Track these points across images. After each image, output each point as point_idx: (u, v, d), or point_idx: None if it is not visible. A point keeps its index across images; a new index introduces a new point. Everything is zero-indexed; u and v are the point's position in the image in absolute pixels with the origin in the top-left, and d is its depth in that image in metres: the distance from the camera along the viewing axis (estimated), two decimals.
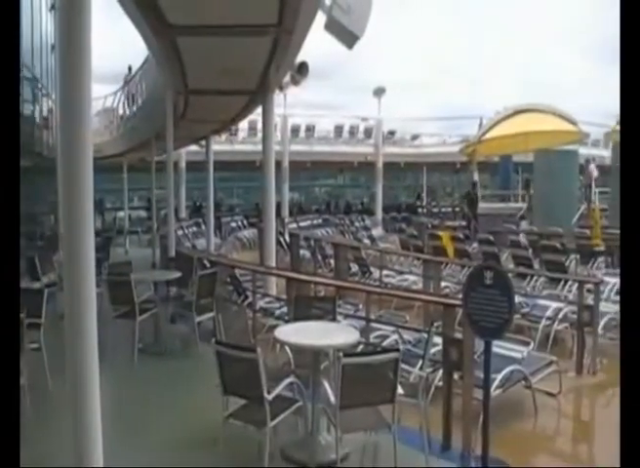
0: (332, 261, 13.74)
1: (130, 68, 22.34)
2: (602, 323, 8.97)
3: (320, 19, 7.80)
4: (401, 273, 13.22)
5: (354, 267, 13.73)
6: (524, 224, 22.49)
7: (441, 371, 6.30)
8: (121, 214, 32.76)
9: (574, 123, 28.27)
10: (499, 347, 6.79)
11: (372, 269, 13.40)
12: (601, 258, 15.56)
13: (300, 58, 19.66)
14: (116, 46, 35.74)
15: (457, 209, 26.76)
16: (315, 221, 25.59)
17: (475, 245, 16.22)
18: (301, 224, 23.59)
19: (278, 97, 24.47)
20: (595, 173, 23.86)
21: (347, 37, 7.79)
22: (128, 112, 21.93)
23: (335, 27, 7.60)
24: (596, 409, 8.18)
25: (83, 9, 3.68)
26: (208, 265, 10.71)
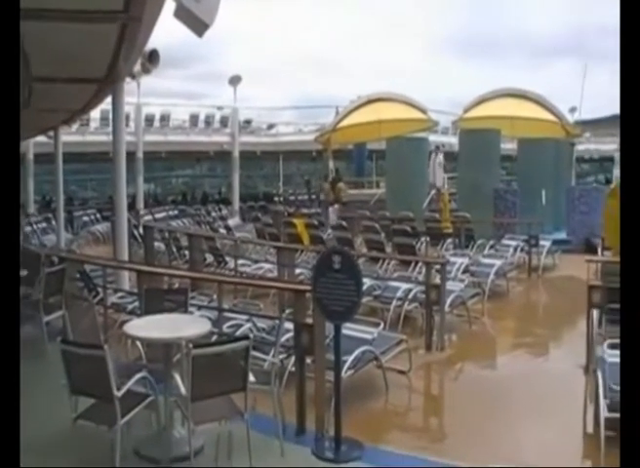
0: (187, 253, 13.55)
1: None
2: (449, 301, 9.40)
3: (171, 6, 7.62)
4: (256, 262, 13.24)
5: (210, 258, 13.63)
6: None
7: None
8: None
9: (424, 111, 29.36)
10: (349, 329, 6.96)
11: (227, 259, 13.36)
12: (449, 240, 16.31)
13: (154, 46, 19.23)
14: None
15: (313, 196, 27.11)
16: (171, 213, 25.11)
17: (330, 231, 16.52)
18: (157, 216, 23.07)
19: (130, 85, 23.79)
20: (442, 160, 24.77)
21: (197, 25, 7.65)
22: None
23: (184, 15, 7.44)
24: (445, 382, 8.55)
25: None
26: (56, 262, 10.27)
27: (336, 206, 23.97)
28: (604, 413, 5.69)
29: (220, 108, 36.14)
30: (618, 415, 5.79)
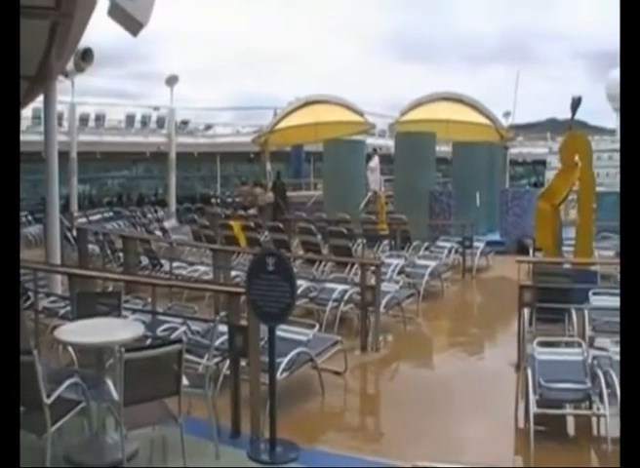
0: (122, 255, 13.35)
1: None
2: (384, 302, 9.50)
3: (106, 4, 7.50)
4: (192, 264, 13.13)
5: (145, 260, 13.46)
6: None
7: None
8: None
9: (361, 114, 29.60)
10: (285, 331, 6.98)
11: (163, 261, 13.21)
12: (385, 242, 16.47)
13: (89, 44, 18.84)
14: None
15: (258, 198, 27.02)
16: (106, 215, 24.62)
17: (267, 233, 16.50)
18: (92, 218, 22.62)
19: (65, 84, 23.29)
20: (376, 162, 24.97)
21: (132, 24, 7.55)
22: None
23: (118, 14, 7.34)
24: (381, 382, 8.64)
25: None
26: None
27: (250, 211, 23.88)
28: (533, 409, 5.87)
29: (156, 109, 35.76)
30: (547, 411, 6.02)
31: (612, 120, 73.56)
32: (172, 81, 30.11)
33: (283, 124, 29.12)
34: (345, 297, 9.78)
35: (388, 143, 31.37)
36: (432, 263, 12.67)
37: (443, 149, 27.02)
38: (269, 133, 29.07)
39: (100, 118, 34.11)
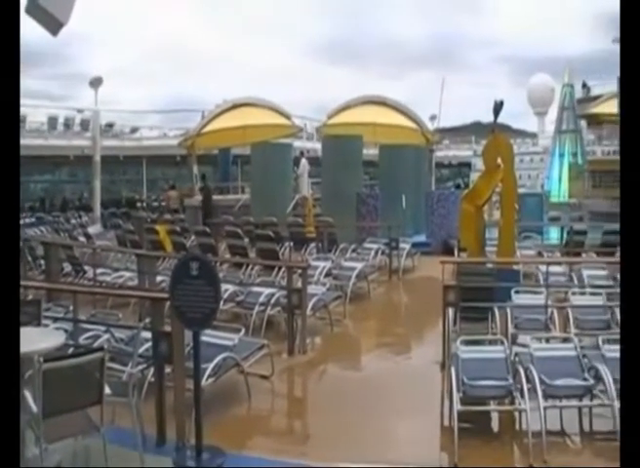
0: (43, 262, 12.99)
1: None
2: (310, 304, 9.52)
3: (23, 1, 7.26)
4: (117, 270, 12.89)
5: (68, 267, 13.14)
6: None
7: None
8: None
9: (288, 117, 29.65)
10: (210, 336, 6.93)
11: (86, 268, 12.92)
12: (313, 244, 16.53)
13: None
14: None
15: (179, 202, 26.72)
16: (28, 220, 24.00)
17: (193, 237, 16.34)
18: None
19: None
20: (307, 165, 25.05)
21: (51, 23, 7.32)
22: None
23: (36, 12, 7.10)
24: (308, 385, 8.65)
25: None
26: None
27: (177, 215, 23.66)
28: (457, 407, 5.98)
29: (80, 111, 35.00)
30: (470, 408, 6.14)
31: (533, 123, 76.06)
32: (96, 82, 29.57)
33: (210, 127, 28.91)
34: (272, 301, 9.77)
35: (316, 146, 31.54)
36: (359, 265, 12.77)
37: (370, 152, 27.30)
38: (196, 136, 28.82)
39: (21, 120, 33.13)
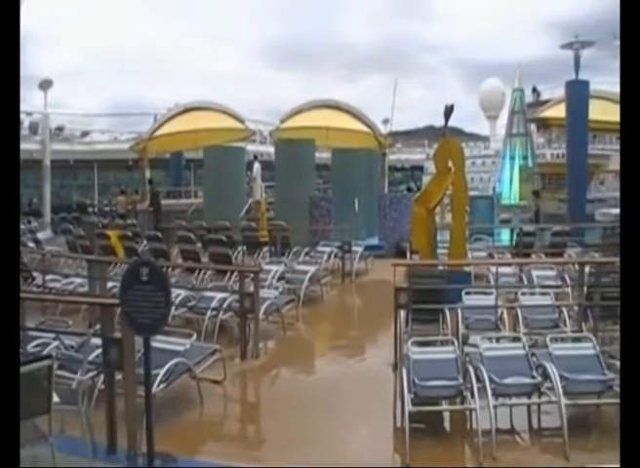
0: None
1: None
2: (263, 308, 9.51)
3: None
4: (67, 276, 12.68)
5: None
6: None
7: None
8: None
9: (241, 121, 29.57)
10: (161, 342, 6.88)
11: (35, 274, 12.68)
12: (266, 248, 16.50)
13: None
14: None
15: (129, 207, 26.41)
16: None
17: (145, 242, 16.17)
18: None
19: None
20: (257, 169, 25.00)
21: None
22: None
23: None
24: (261, 389, 8.63)
25: None
26: None
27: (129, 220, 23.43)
28: (408, 407, 6.04)
29: (29, 114, 34.29)
30: (421, 408, 6.21)
31: (485, 127, 77.11)
32: (46, 85, 29.04)
33: (162, 130, 28.69)
34: (225, 305, 9.73)
35: (269, 150, 31.49)
36: (312, 268, 12.79)
37: (323, 156, 27.38)
38: (148, 139, 28.57)
39: None
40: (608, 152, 48.10)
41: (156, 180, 30.34)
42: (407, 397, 6.13)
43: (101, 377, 6.30)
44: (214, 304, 9.76)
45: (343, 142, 25.72)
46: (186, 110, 29.01)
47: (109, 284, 10.86)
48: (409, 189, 36.19)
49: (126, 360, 5.79)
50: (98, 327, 6.64)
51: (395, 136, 46.18)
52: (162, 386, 6.49)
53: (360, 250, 15.99)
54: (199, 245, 14.97)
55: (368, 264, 16.27)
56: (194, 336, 7.57)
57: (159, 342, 6.74)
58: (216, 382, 7.67)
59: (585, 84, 22.76)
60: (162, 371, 6.49)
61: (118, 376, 5.99)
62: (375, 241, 19.18)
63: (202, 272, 12.76)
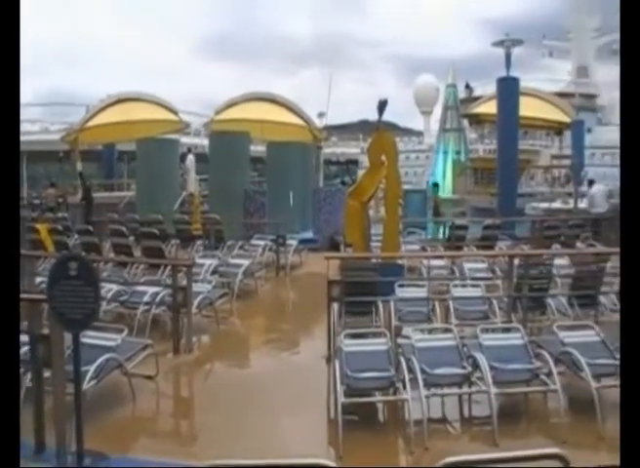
0: None
1: None
2: (196, 302, 9.45)
3: None
4: None
5: None
6: None
7: None
8: None
9: (175, 112, 29.21)
10: (91, 338, 6.76)
11: None
12: (200, 242, 16.37)
13: None
14: None
15: (60, 200, 25.76)
16: None
17: (77, 236, 15.82)
18: None
19: None
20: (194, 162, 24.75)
21: None
22: None
23: None
24: (194, 384, 8.53)
25: None
26: None
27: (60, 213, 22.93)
28: (341, 399, 6.09)
29: None
30: (353, 400, 6.27)
31: (419, 122, 78.11)
32: None
33: (94, 122, 28.14)
34: (157, 300, 9.63)
35: (204, 142, 31.20)
36: (246, 262, 12.74)
37: (258, 149, 27.26)
38: (79, 131, 27.97)
39: None
40: (538, 148, 49.53)
41: (88, 173, 29.69)
42: (339, 389, 6.18)
43: (29, 375, 6.15)
44: (146, 299, 9.65)
45: (279, 136, 25.66)
46: (119, 101, 28.50)
47: (38, 279, 10.62)
48: (343, 183, 36.34)
49: (54, 357, 5.65)
50: (25, 323, 6.46)
51: (330, 129, 46.41)
52: (92, 383, 6.37)
53: (294, 243, 16.04)
54: (132, 238, 14.75)
55: (302, 258, 16.33)
56: (125, 331, 7.45)
57: (89, 338, 6.64)
58: (148, 378, 7.58)
59: (516, 81, 23.22)
60: (92, 368, 6.38)
61: (46, 374, 5.85)
62: (309, 234, 19.20)
63: (134, 266, 12.57)
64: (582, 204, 22.98)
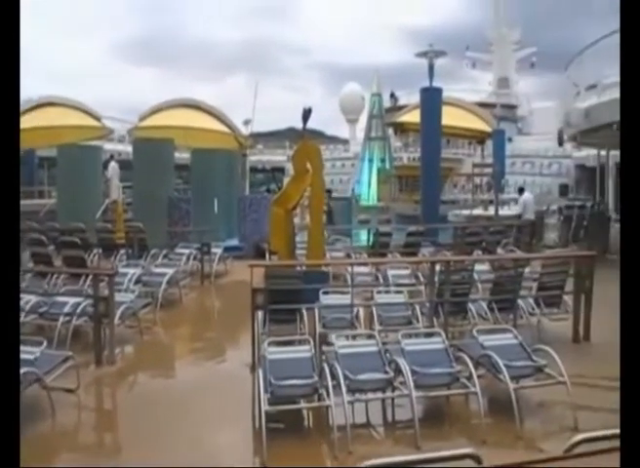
0: None
1: None
2: (119, 313, 9.29)
3: None
4: None
5: None
6: None
7: None
8: None
9: (98, 118, 28.63)
10: None
11: None
12: (123, 251, 16.11)
13: None
14: None
15: None
16: None
17: None
18: None
19: None
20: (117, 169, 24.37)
21: None
22: None
23: None
24: (117, 396, 8.37)
25: None
26: None
27: None
28: (265, 407, 6.11)
29: None
30: (278, 408, 6.30)
31: (345, 130, 78.69)
32: None
33: None
34: (78, 310, 9.41)
35: (128, 149, 30.69)
36: (170, 271, 12.62)
37: (183, 156, 27.00)
38: None
39: None
40: (460, 156, 50.67)
41: None
42: (263, 397, 6.20)
43: None
44: (67, 309, 9.42)
45: (203, 143, 25.47)
46: (39, 106, 27.73)
47: None
48: (268, 190, 36.39)
49: None
50: None
51: (256, 137, 46.28)
52: None
53: (219, 251, 15.97)
54: (52, 247, 14.41)
55: (227, 266, 16.27)
56: (45, 344, 7.26)
57: None
58: (69, 391, 7.39)
59: (439, 91, 23.69)
60: None
61: None
62: (234, 242, 19.16)
63: (55, 276, 12.27)
64: (507, 210, 23.64)
